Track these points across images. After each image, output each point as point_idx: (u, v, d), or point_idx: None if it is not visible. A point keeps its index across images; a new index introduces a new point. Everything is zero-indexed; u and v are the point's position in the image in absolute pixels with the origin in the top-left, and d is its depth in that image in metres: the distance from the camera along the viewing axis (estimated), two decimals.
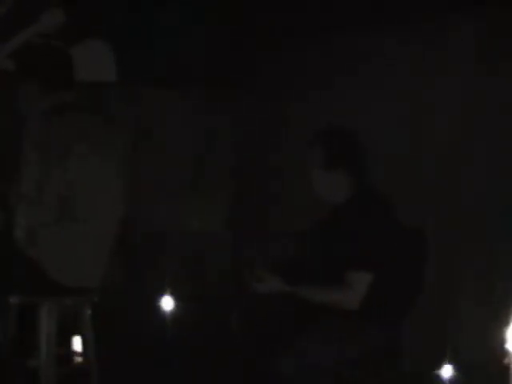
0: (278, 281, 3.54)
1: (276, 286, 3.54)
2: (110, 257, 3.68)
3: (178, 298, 4.71)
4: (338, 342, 3.41)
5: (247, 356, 3.60)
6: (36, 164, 3.51)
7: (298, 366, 3.31)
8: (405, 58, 4.80)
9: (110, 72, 3.60)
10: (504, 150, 4.36)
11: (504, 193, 4.33)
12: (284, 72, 5.48)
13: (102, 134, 3.59)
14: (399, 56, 4.82)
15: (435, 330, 4.50)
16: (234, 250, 5.54)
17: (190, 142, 5.65)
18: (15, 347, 3.73)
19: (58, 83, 3.53)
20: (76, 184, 3.51)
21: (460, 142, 4.56)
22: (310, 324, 3.49)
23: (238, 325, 3.71)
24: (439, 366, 3.19)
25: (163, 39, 5.34)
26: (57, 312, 3.62)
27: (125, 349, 4.42)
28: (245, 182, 5.68)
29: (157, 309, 4.68)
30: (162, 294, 4.70)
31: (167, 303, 4.55)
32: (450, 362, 3.18)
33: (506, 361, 2.47)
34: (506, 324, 2.51)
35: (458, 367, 3.21)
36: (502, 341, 2.52)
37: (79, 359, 3.88)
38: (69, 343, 4.01)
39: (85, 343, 3.77)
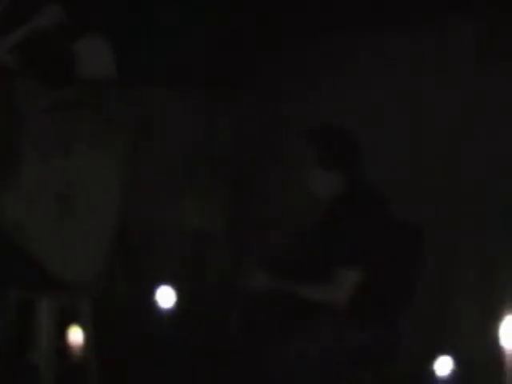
0: (266, 277, 3.54)
1: (263, 281, 3.55)
2: (110, 255, 3.68)
3: (177, 297, 4.72)
4: (326, 340, 3.41)
5: (247, 356, 3.60)
6: (36, 163, 3.50)
7: (290, 365, 3.32)
8: (405, 58, 4.80)
9: (109, 69, 3.60)
10: (504, 150, 4.36)
11: (504, 193, 4.33)
12: (284, 72, 5.48)
13: (102, 133, 3.58)
14: (399, 56, 4.82)
15: (435, 330, 4.50)
16: (234, 249, 5.54)
17: (190, 141, 5.66)
18: (14, 343, 3.73)
19: (59, 80, 3.52)
20: (75, 183, 3.50)
21: (460, 142, 4.56)
22: (302, 322, 3.50)
23: (238, 325, 3.71)
24: (438, 364, 3.19)
25: (163, 39, 5.35)
26: (56, 308, 3.61)
27: (124, 348, 4.43)
28: (245, 182, 5.68)
29: (156, 308, 4.68)
30: (161, 294, 4.70)
31: (167, 303, 4.55)
32: (449, 360, 3.18)
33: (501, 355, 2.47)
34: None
35: (457, 366, 3.21)
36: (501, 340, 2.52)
37: (78, 352, 3.87)
38: (67, 338, 4.01)
39: (84, 340, 3.76)
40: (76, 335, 3.94)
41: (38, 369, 3.60)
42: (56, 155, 3.47)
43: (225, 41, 5.46)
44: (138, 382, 4.17)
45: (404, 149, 4.74)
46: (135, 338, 4.60)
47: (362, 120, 4.55)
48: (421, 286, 3.62)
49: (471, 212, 4.50)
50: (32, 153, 3.49)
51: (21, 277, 3.52)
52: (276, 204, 5.48)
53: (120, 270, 5.18)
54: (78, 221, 3.50)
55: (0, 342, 3.66)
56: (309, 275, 3.56)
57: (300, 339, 3.41)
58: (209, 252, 5.64)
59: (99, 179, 3.57)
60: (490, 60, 4.44)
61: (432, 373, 3.21)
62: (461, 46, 4.57)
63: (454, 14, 4.50)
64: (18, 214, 3.51)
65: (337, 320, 3.45)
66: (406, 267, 3.59)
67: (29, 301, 3.65)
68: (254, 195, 5.63)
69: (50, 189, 3.48)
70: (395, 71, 4.83)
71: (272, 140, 5.51)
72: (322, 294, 3.47)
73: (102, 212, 3.59)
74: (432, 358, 3.34)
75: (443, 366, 3.17)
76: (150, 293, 4.84)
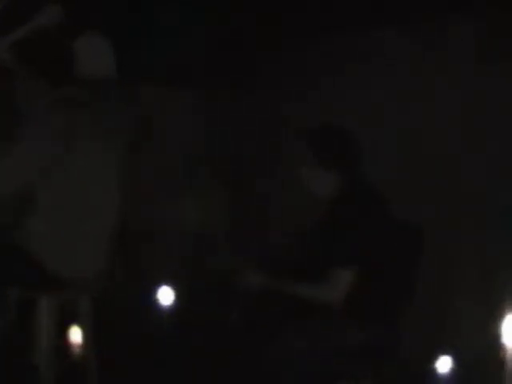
0: (264, 277, 3.55)
1: (257, 280, 3.55)
2: (110, 255, 3.67)
3: (177, 297, 4.72)
4: (326, 340, 3.41)
5: (247, 356, 3.60)
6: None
7: (290, 365, 3.32)
8: (405, 57, 4.80)
9: (109, 69, 3.60)
10: (504, 150, 4.37)
11: (504, 193, 4.34)
12: (284, 72, 5.48)
13: (101, 133, 3.58)
14: (399, 56, 4.83)
15: (435, 330, 4.50)
16: (234, 250, 5.54)
17: (190, 141, 5.66)
18: (14, 343, 3.72)
19: (59, 79, 3.52)
20: (75, 183, 3.50)
21: (460, 142, 4.56)
22: (302, 322, 3.50)
23: (238, 325, 3.71)
24: (438, 362, 3.20)
25: (163, 39, 5.35)
26: (55, 307, 3.61)
27: (124, 348, 4.42)
28: (245, 182, 5.68)
29: (157, 308, 4.68)
30: (161, 294, 4.70)
31: (167, 303, 4.56)
32: (449, 360, 3.18)
33: (501, 354, 2.48)
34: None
35: (457, 366, 3.21)
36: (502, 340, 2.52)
37: (77, 352, 3.87)
38: (67, 337, 4.02)
39: (84, 339, 3.76)
40: (76, 335, 3.94)
41: (38, 368, 3.59)
42: (56, 155, 3.46)
43: (225, 41, 5.46)
44: (137, 381, 4.17)
45: (404, 149, 4.74)
46: (135, 338, 4.60)
47: (361, 120, 4.55)
48: (421, 286, 3.62)
49: (471, 212, 4.50)
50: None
51: (21, 276, 3.52)
52: (276, 204, 5.48)
53: (120, 269, 5.17)
54: (78, 220, 3.50)
55: (0, 342, 3.65)
56: (309, 275, 3.56)
57: (300, 339, 3.41)
58: (209, 252, 5.64)
59: (99, 179, 3.57)
60: (490, 60, 4.44)
61: (432, 372, 3.22)
62: (461, 45, 4.57)
63: (453, 13, 4.50)
64: (18, 214, 3.51)
65: (337, 320, 3.45)
66: (405, 267, 3.59)
67: (29, 300, 3.65)
68: (254, 195, 5.64)
69: (50, 188, 3.48)
70: (395, 71, 4.84)
71: (272, 140, 5.51)
72: (316, 292, 3.47)
73: (101, 212, 3.59)
74: (432, 357, 3.35)
75: (443, 365, 3.17)
76: (150, 293, 4.86)
